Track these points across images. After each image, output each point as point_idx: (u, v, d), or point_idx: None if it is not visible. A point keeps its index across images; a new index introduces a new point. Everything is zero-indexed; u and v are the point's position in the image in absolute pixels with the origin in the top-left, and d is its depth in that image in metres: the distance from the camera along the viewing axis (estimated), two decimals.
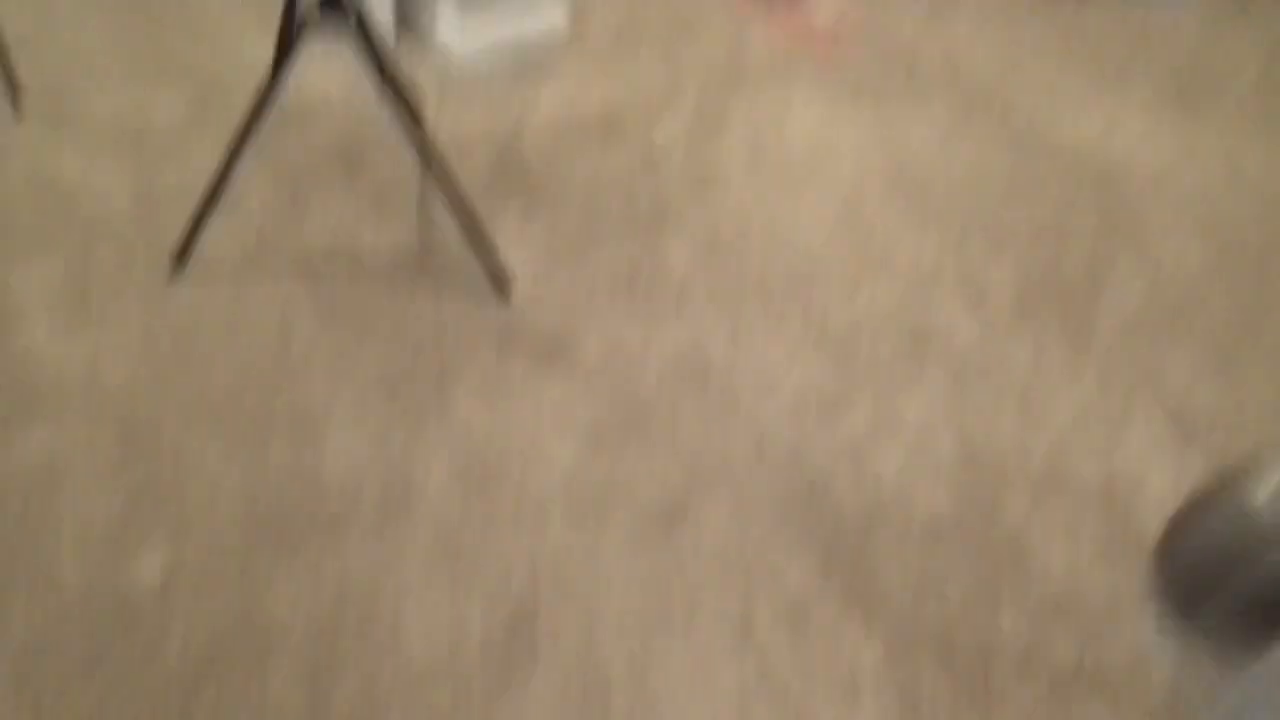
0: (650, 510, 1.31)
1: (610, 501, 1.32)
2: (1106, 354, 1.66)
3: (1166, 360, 1.67)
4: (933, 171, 2.02)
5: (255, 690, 1.05)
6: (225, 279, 1.60)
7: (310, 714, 1.03)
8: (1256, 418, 1.58)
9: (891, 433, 1.48)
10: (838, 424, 1.48)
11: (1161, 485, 1.44)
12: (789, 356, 1.59)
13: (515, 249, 1.72)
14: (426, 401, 1.45)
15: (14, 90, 1.89)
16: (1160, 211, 1.99)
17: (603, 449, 1.40)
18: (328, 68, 2.08)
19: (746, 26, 2.38)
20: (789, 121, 2.11)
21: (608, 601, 1.18)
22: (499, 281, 1.64)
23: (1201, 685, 0.58)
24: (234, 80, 2.02)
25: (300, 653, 1.09)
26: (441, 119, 1.99)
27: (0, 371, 1.41)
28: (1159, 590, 0.60)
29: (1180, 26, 2.60)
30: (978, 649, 1.17)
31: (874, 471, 1.41)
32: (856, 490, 1.38)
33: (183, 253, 1.61)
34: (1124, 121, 2.23)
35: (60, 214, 1.68)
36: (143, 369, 1.44)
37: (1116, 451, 1.48)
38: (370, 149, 1.89)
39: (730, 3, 2.46)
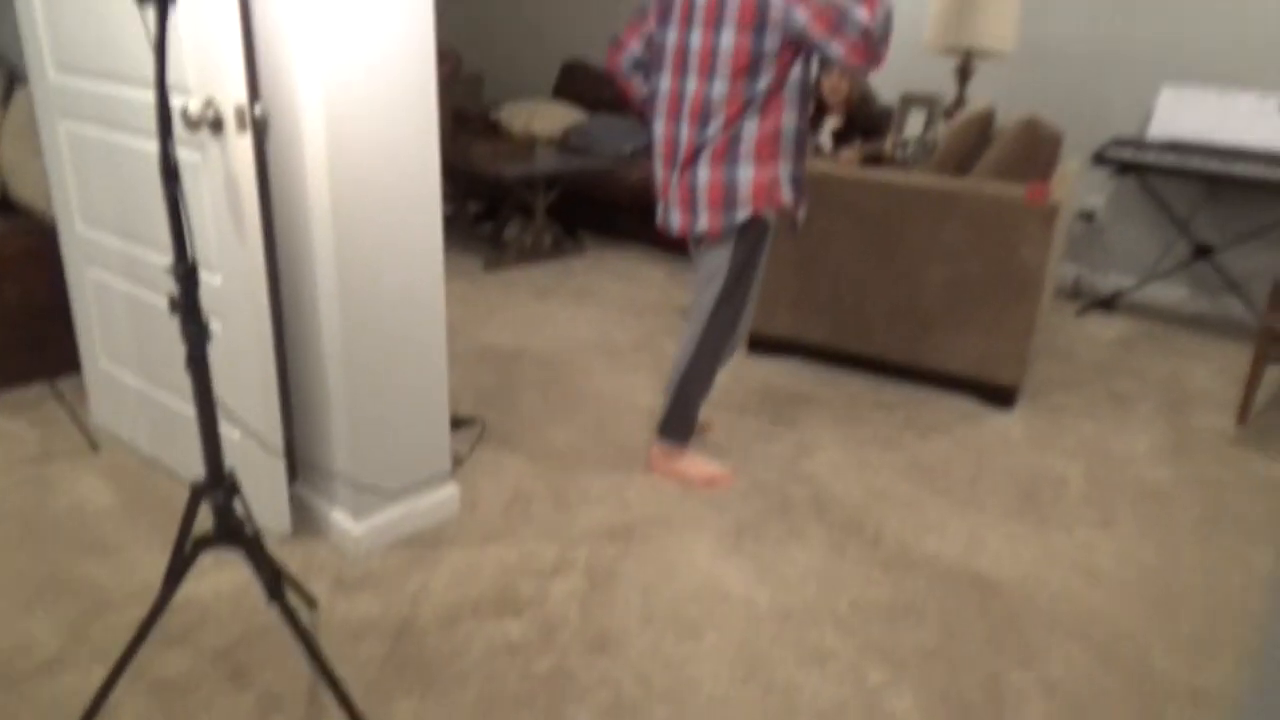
0: None
1: None
2: None
3: None
4: (819, 603, 2.10)
5: None
6: None
7: None
8: None
9: None
10: None
11: None
12: None
13: None
14: None
15: None
16: (1036, 619, 2.09)
17: None
18: (218, 570, 2.11)
19: (627, 487, 2.57)
20: (678, 569, 2.20)
21: None
22: None
23: None
24: (120, 596, 2.01)
25: None
26: (335, 606, 2.00)
27: None
28: None
29: (1009, 443, 2.94)
30: None
31: None
32: None
33: None
34: (983, 536, 2.42)
35: None
36: None
37: None
38: (258, 653, 1.86)
39: (612, 469, 2.68)
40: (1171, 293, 4.47)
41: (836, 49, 2.13)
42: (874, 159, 3.75)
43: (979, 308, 3.12)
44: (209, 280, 2.07)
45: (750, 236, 2.38)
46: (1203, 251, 4.19)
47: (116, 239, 2.33)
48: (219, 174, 1.91)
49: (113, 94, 2.13)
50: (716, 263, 2.42)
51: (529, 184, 4.66)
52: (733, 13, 2.17)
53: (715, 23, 2.20)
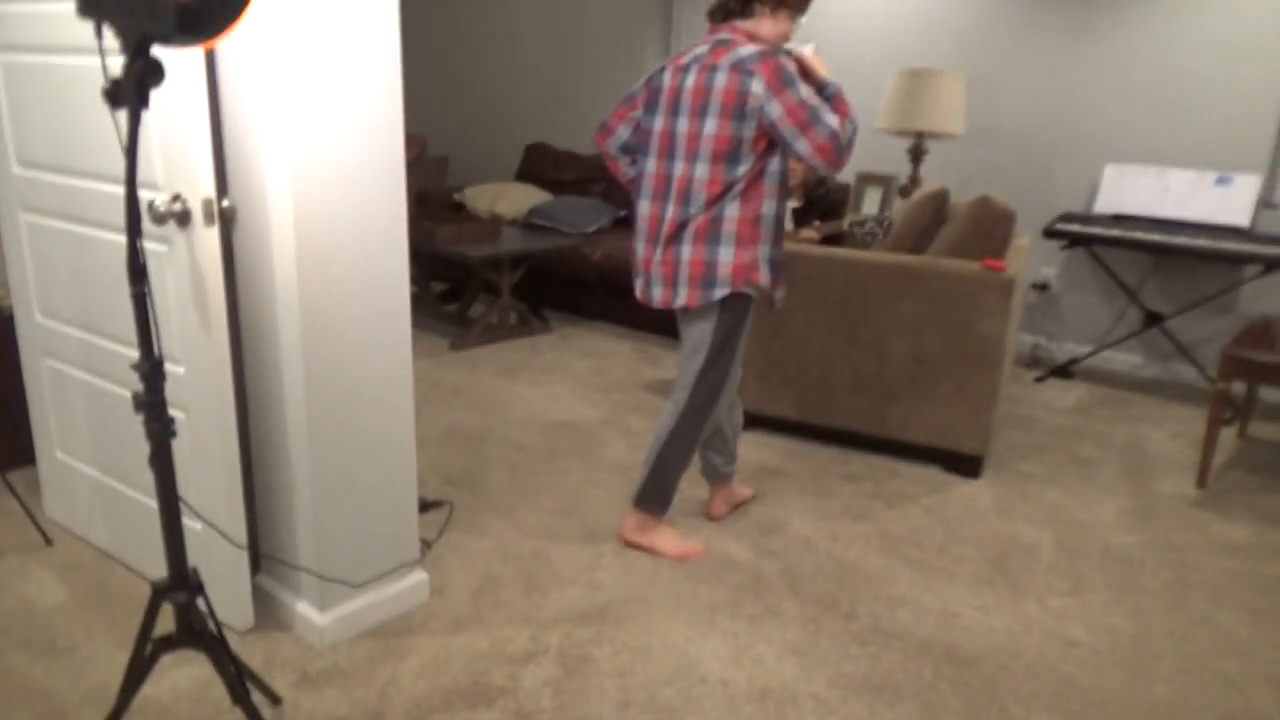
0: None
1: None
2: None
3: None
4: (797, 682, 2.07)
5: None
6: None
7: None
8: None
9: None
10: None
11: None
12: None
13: None
14: None
15: None
16: (1012, 691, 2.08)
17: None
18: (177, 667, 2.04)
19: (599, 567, 2.54)
20: (653, 651, 2.17)
21: None
22: None
23: None
24: (73, 701, 1.93)
25: None
26: (300, 703, 1.93)
27: None
28: None
29: (977, 511, 2.96)
30: None
31: None
32: None
33: None
34: (956, 607, 2.42)
35: None
36: None
37: None
38: None
39: (583, 549, 2.65)
40: (1126, 359, 4.58)
41: (804, 146, 2.25)
42: (833, 237, 3.85)
43: (942, 379, 3.17)
44: (172, 370, 2.05)
45: (733, 311, 2.45)
46: (1153, 319, 4.31)
47: (76, 330, 2.31)
48: (184, 265, 1.91)
49: (76, 189, 2.14)
50: (700, 336, 2.48)
51: (494, 264, 4.70)
52: (717, 101, 2.29)
53: (700, 110, 2.32)
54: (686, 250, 2.39)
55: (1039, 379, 4.44)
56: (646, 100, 2.47)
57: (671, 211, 2.40)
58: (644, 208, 2.49)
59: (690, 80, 2.35)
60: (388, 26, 1.94)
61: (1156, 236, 3.95)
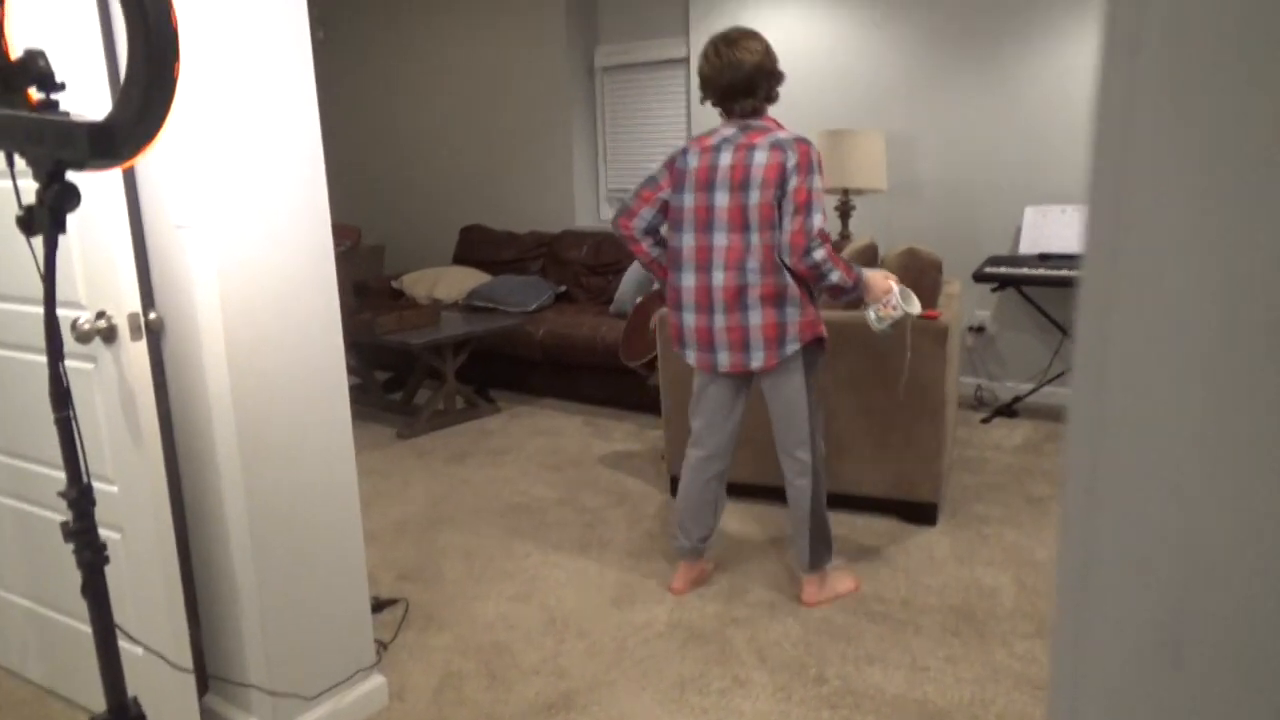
0: None
1: None
2: None
3: None
4: None
5: None
6: None
7: None
8: None
9: None
10: None
11: None
12: None
13: None
14: None
15: None
16: None
17: None
18: None
19: (562, 654, 2.49)
20: None
21: None
22: None
23: None
24: None
25: None
26: None
27: None
28: None
29: (935, 560, 2.97)
30: None
31: None
32: None
33: None
34: (924, 660, 2.41)
35: None
36: None
37: None
38: None
39: (544, 636, 2.60)
40: (1067, 393, 4.68)
41: (788, 223, 2.46)
42: None
43: (889, 430, 3.21)
44: (105, 490, 1.98)
45: (813, 355, 2.61)
46: None
47: (2, 456, 2.23)
48: (113, 382, 1.87)
49: None
50: (793, 392, 2.61)
51: (436, 349, 4.68)
52: (759, 175, 2.49)
53: (742, 185, 2.50)
54: (755, 315, 2.53)
55: (985, 420, 4.51)
56: (674, 183, 2.62)
57: (724, 279, 2.53)
58: (688, 279, 2.60)
59: (726, 159, 2.52)
60: (307, 124, 1.95)
61: (1080, 271, 4.08)
